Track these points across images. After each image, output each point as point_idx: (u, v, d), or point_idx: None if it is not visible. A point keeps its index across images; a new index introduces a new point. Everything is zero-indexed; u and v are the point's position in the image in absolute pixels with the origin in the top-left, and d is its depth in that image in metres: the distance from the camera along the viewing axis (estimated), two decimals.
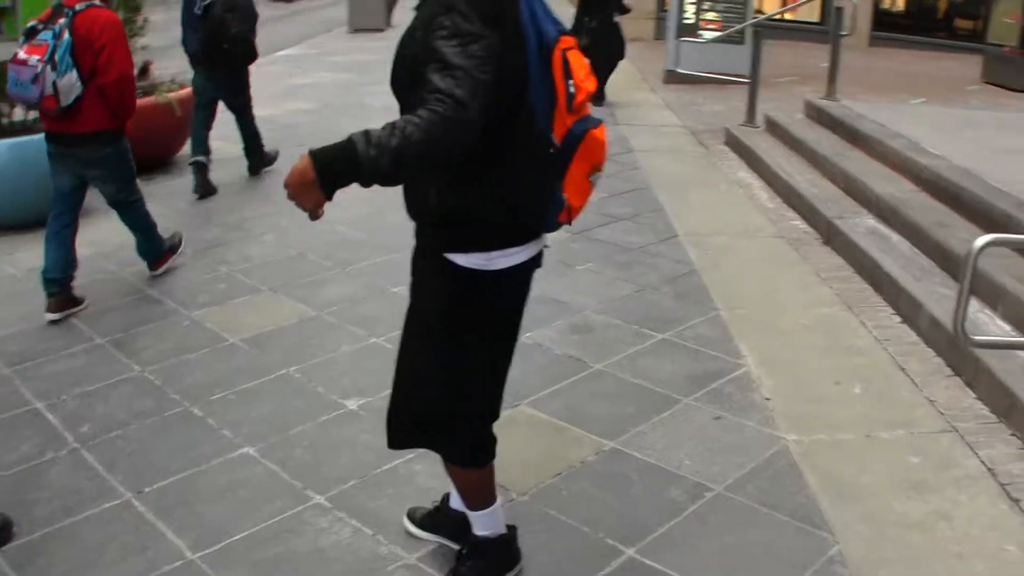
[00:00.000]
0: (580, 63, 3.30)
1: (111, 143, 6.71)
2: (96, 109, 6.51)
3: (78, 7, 6.40)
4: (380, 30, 25.58)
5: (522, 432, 4.97)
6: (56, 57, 6.26)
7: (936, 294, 6.37)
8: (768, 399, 5.45)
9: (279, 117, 13.50)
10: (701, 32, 16.63)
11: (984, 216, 7.11)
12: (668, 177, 10.49)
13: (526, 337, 3.72)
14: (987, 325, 6.00)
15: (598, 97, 14.27)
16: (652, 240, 8.23)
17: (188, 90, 10.65)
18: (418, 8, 3.28)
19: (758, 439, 5.05)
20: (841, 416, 5.29)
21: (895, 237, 7.67)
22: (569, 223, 3.49)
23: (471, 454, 3.73)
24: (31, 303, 6.84)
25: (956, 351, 5.75)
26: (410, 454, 4.76)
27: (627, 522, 4.35)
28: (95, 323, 6.56)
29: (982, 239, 4.07)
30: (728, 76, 15.38)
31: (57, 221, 6.79)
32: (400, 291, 6.74)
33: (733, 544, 4.24)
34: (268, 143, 10.83)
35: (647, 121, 13.85)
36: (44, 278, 6.67)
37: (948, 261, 6.76)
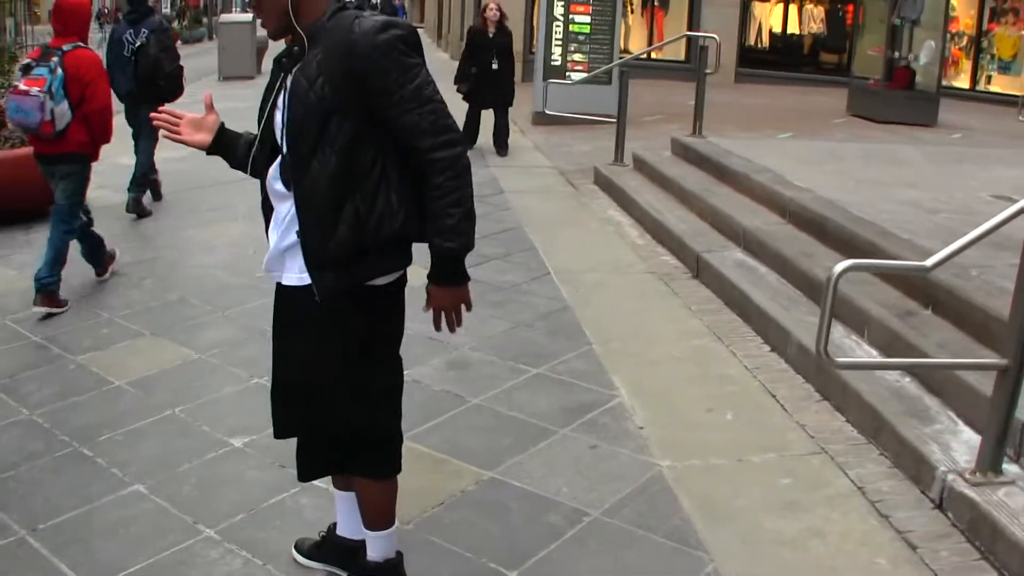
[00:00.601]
0: None
1: (79, 162, 7.80)
2: (78, 134, 7.59)
3: (65, 48, 7.53)
4: (250, 77, 25.58)
5: (403, 465, 5.09)
6: (52, 89, 7.34)
7: (803, 322, 6.63)
8: (642, 428, 5.65)
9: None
10: (569, 73, 16.93)
11: (848, 245, 7.40)
12: (539, 217, 10.72)
13: (404, 374, 3.89)
14: (854, 350, 6.26)
15: (500, 146, 14.65)
16: (525, 278, 8.43)
17: None
18: (295, 64, 3.55)
19: (633, 466, 5.23)
20: (714, 441, 5.51)
21: (762, 269, 7.96)
22: None
23: (394, 461, 3.96)
24: None
25: (825, 376, 6.01)
26: (295, 488, 4.89)
27: (508, 547, 4.50)
28: None
29: (841, 264, 4.34)
30: (596, 116, 15.62)
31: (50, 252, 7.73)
32: None
33: (612, 566, 4.40)
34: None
35: (517, 163, 14.12)
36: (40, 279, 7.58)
37: (814, 290, 6.99)
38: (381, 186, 3.50)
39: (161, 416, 5.84)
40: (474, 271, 7.97)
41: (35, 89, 7.32)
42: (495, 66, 14.27)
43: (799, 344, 6.39)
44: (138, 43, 10.51)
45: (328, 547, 4.34)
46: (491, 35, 14.38)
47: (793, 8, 26.41)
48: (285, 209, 3.66)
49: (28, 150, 9.93)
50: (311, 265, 3.60)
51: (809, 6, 26.52)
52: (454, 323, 3.74)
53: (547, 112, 16.73)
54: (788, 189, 9.03)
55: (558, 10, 17.05)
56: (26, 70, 7.55)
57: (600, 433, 5.59)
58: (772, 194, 9.11)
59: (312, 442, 3.93)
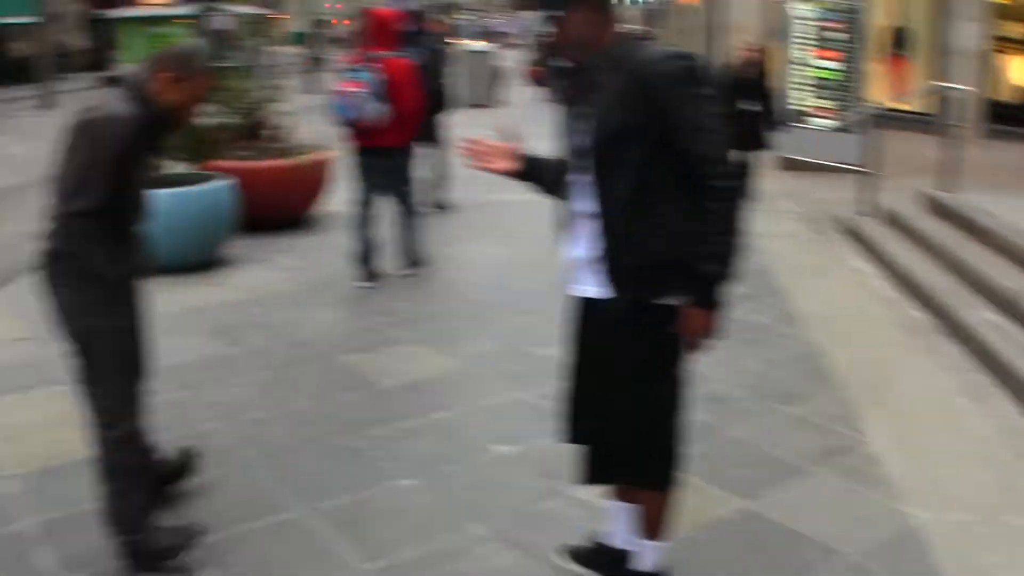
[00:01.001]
0: None
1: (402, 155, 9.00)
2: (395, 130, 8.67)
3: (384, 54, 8.65)
4: (485, 105, 26.20)
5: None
6: (374, 91, 8.41)
7: None
8: (893, 475, 5.66)
9: None
10: (814, 119, 16.84)
11: None
12: (786, 261, 10.74)
13: None
14: None
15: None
16: (775, 321, 8.51)
17: (323, 154, 11.51)
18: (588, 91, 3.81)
19: (886, 513, 5.23)
20: (966, 498, 5.44)
21: (1014, 330, 7.85)
22: None
23: (674, 473, 4.13)
24: (190, 336, 7.36)
25: None
26: (561, 497, 5.13)
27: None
28: (256, 360, 7.01)
29: None
30: (841, 164, 15.49)
31: (357, 214, 9.07)
32: (540, 352, 7.12)
33: None
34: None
35: (762, 206, 14.10)
36: (357, 255, 9.03)
37: None
38: (677, 208, 3.71)
39: (428, 419, 6.16)
40: (726, 310, 8.16)
41: (358, 90, 8.45)
42: (758, 108, 13.73)
43: None
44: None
45: (596, 554, 4.53)
46: (754, 75, 13.67)
47: None
48: (587, 226, 3.89)
49: (290, 162, 10.66)
50: (610, 280, 3.83)
51: None
52: (697, 346, 3.89)
53: (790, 157, 16.67)
54: None
55: (802, 55, 17.00)
56: (348, 73, 8.65)
57: (853, 477, 5.61)
58: None
59: (599, 450, 4.13)
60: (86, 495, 4.92)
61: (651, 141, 3.67)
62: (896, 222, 11.62)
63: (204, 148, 9.85)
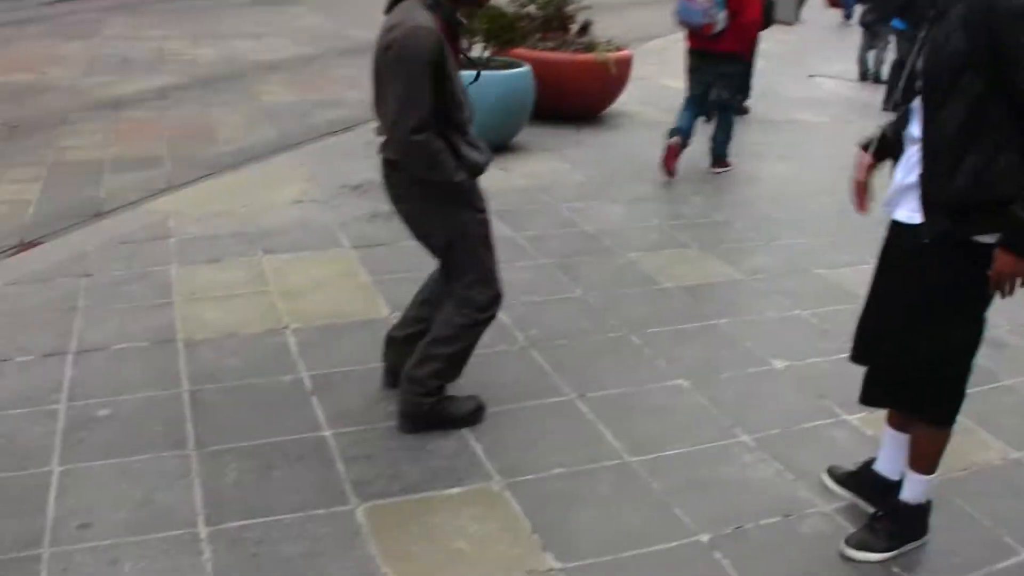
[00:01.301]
0: None
1: (735, 62, 9.47)
2: (731, 38, 9.14)
3: None
4: (790, 23, 25.64)
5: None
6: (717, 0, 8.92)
7: None
8: None
9: None
10: None
11: None
12: None
13: None
14: None
15: None
16: None
17: (626, 52, 11.39)
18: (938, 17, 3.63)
19: None
20: None
21: None
22: None
23: (955, 412, 4.02)
24: None
25: None
26: (831, 419, 5.06)
27: None
28: (539, 245, 7.09)
29: None
30: None
31: (686, 106, 9.62)
32: (822, 272, 7.00)
33: None
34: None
35: None
36: (673, 132, 9.44)
37: None
38: (1005, 145, 3.54)
39: (706, 324, 6.13)
40: None
41: None
42: None
43: None
44: None
45: (862, 479, 4.45)
46: None
47: None
48: (913, 151, 3.77)
49: (589, 56, 10.73)
50: (926, 207, 3.71)
51: None
52: (1006, 290, 3.70)
53: None
54: None
55: None
56: None
57: None
58: None
59: (884, 373, 4.05)
60: (357, 356, 5.14)
61: (987, 73, 3.51)
62: None
63: (507, 35, 9.94)
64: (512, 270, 6.48)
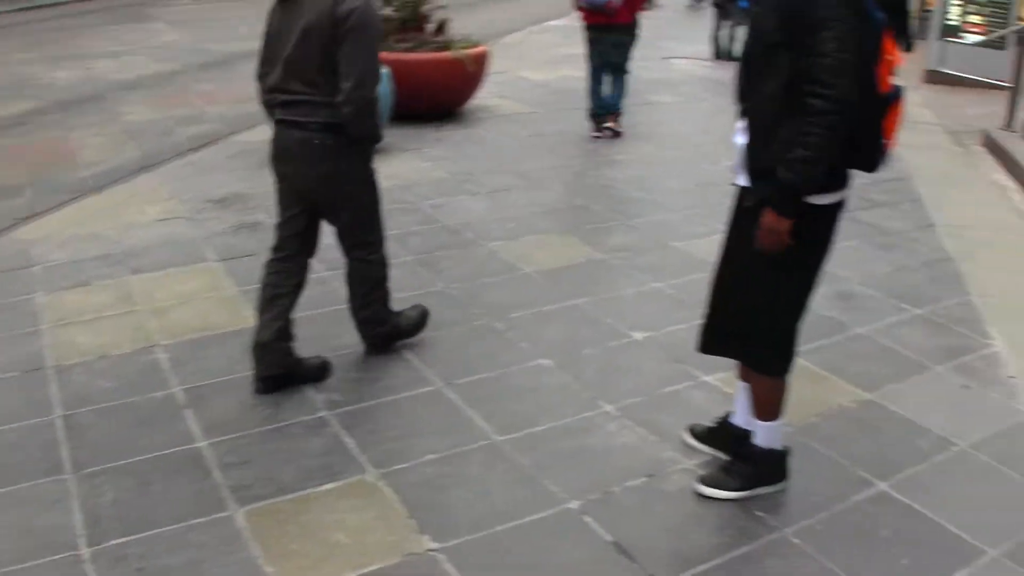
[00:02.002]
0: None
1: (629, 32, 10.90)
2: (626, 12, 10.65)
3: None
4: (649, 8, 26.12)
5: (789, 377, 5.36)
6: None
7: None
8: (1013, 377, 5.66)
9: (552, 82, 14.47)
10: (964, 34, 16.47)
11: None
12: (926, 172, 10.61)
13: None
14: None
15: None
16: (910, 227, 8.45)
17: (481, 48, 11.60)
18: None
19: (1002, 409, 5.29)
20: None
21: None
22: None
23: (785, 363, 4.29)
24: None
25: None
26: (689, 381, 5.32)
27: (879, 461, 4.71)
28: (402, 243, 7.23)
29: None
30: (990, 80, 15.17)
31: (594, 80, 11.06)
32: (678, 246, 7.26)
33: (973, 493, 4.53)
34: (544, 107, 12.19)
35: (907, 117, 13.91)
36: (595, 110, 11.16)
37: None
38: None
39: (567, 304, 6.33)
40: (863, 214, 8.22)
41: None
42: None
43: None
44: None
45: (720, 433, 4.70)
46: None
47: None
48: (743, 122, 4.04)
49: (446, 54, 10.95)
50: (751, 173, 3.99)
51: None
52: (761, 242, 3.95)
53: (941, 71, 16.38)
54: None
55: None
56: None
57: (973, 376, 5.66)
58: None
59: (719, 322, 4.32)
60: (227, 366, 5.27)
61: (797, 51, 3.77)
62: None
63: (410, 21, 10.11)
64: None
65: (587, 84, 11.19)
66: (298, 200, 5.22)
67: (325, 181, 5.10)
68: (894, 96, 3.95)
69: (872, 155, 4.01)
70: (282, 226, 5.28)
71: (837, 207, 4.05)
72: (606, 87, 11.18)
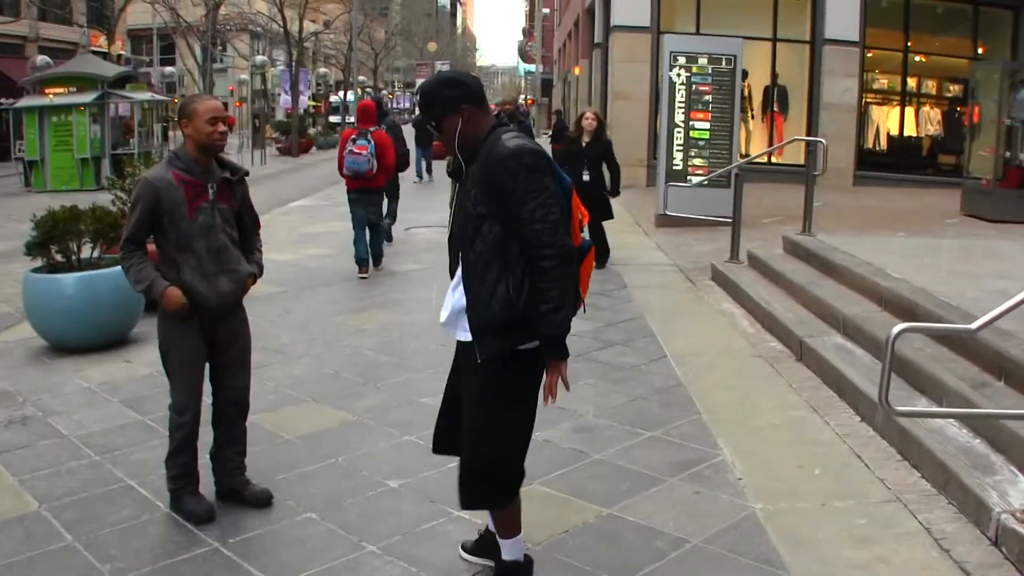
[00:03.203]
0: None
1: (380, 193, 14.43)
2: (380, 177, 13.91)
3: (371, 130, 13.85)
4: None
5: (536, 503, 5.97)
6: (371, 152, 13.54)
7: (893, 396, 7.33)
8: (740, 479, 6.49)
9: (299, 261, 15.29)
10: (689, 177, 17.73)
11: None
12: (659, 309, 11.67)
13: (537, 435, 5.07)
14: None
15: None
16: (643, 360, 9.36)
17: None
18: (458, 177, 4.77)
19: (730, 507, 6.08)
20: (802, 490, 6.33)
21: (859, 351, 8.74)
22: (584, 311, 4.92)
23: (508, 499, 4.95)
24: (106, 408, 8.08)
25: (906, 439, 6.76)
26: (444, 518, 5.92)
27: (620, 565, 5.39)
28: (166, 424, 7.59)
29: (899, 326, 5.21)
30: (716, 217, 16.41)
31: (358, 232, 14.01)
32: (426, 401, 7.87)
33: None
34: (292, 286, 13.19)
35: (640, 261, 15.09)
36: (359, 257, 14.01)
37: (903, 367, 7.71)
38: (527, 273, 4.55)
39: (327, 463, 6.85)
40: (598, 354, 9.12)
41: (365, 152, 13.52)
42: (586, 177, 13.88)
43: (884, 413, 7.10)
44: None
45: (485, 543, 5.34)
46: (584, 144, 14.18)
47: (910, 111, 26.63)
48: (460, 285, 4.75)
49: None
50: (474, 333, 4.66)
51: (926, 109, 26.74)
52: (551, 392, 4.67)
53: (668, 214, 17.54)
54: (885, 280, 9.80)
55: (679, 117, 17.94)
56: (356, 139, 13.66)
57: (703, 482, 6.45)
58: (871, 285, 9.90)
59: (463, 470, 4.94)
60: (14, 549, 5.65)
61: (501, 218, 4.51)
62: (760, 266, 12.58)
63: (113, 232, 10.36)
64: (145, 449, 7.03)
65: (354, 236, 13.99)
66: None
67: None
68: (585, 250, 4.73)
69: (574, 302, 4.71)
70: None
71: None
72: (366, 237, 14.03)
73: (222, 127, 5.83)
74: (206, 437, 6.21)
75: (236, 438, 6.29)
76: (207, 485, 6.23)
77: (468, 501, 4.96)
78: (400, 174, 17.46)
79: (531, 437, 4.94)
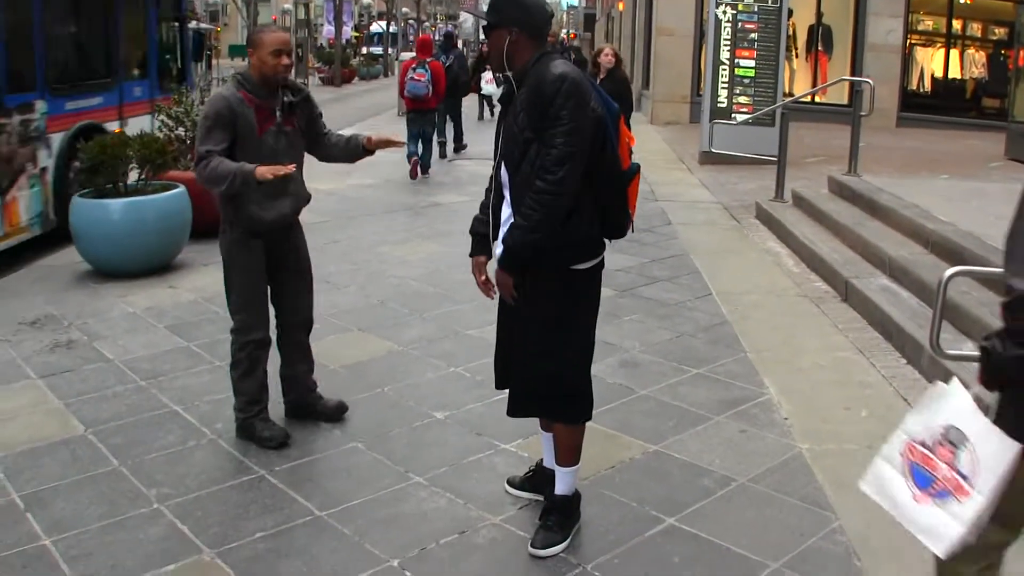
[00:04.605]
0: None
1: (433, 113, 17.30)
2: (433, 100, 16.73)
3: (428, 60, 16.68)
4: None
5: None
6: (428, 79, 16.57)
7: (941, 339, 7.29)
8: (786, 418, 6.48)
9: (343, 191, 15.19)
10: (734, 115, 17.64)
11: None
12: (703, 246, 11.62)
13: None
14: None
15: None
16: (689, 297, 9.33)
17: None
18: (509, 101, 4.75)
19: (776, 447, 6.08)
20: (848, 432, 6.30)
21: (904, 293, 8.69)
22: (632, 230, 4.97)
23: (580, 412, 4.95)
24: (151, 333, 8.10)
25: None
26: (490, 450, 5.93)
27: (668, 500, 5.39)
28: (212, 351, 7.66)
29: (951, 270, 5.15)
30: (760, 156, 16.35)
31: (411, 144, 16.83)
32: (472, 333, 7.94)
33: (753, 518, 5.25)
34: (335, 215, 13.04)
35: (684, 198, 15.03)
36: (410, 151, 16.98)
37: (951, 311, 7.62)
38: (575, 197, 4.52)
39: (372, 393, 6.89)
40: (643, 290, 9.09)
41: (423, 80, 16.39)
42: None
43: (931, 357, 7.07)
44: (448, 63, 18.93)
45: (535, 479, 5.37)
46: (599, 80, 13.55)
47: (955, 53, 26.25)
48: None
49: None
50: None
51: (971, 51, 26.27)
52: (488, 292, 4.95)
53: (713, 151, 17.48)
54: (932, 223, 9.73)
55: (724, 54, 17.81)
56: (414, 69, 16.53)
57: (750, 421, 6.44)
58: (917, 227, 9.84)
59: (519, 389, 4.95)
60: (61, 471, 5.69)
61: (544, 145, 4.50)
62: (806, 205, 12.49)
63: (160, 159, 10.41)
64: (191, 375, 7.07)
65: (407, 148, 16.52)
66: None
67: None
68: (633, 172, 4.75)
69: (620, 224, 4.79)
70: None
71: (595, 270, 4.76)
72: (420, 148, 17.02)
73: (286, 60, 5.83)
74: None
75: (304, 355, 6.47)
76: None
77: (521, 410, 4.99)
78: (463, 99, 20.77)
79: (587, 358, 4.93)
